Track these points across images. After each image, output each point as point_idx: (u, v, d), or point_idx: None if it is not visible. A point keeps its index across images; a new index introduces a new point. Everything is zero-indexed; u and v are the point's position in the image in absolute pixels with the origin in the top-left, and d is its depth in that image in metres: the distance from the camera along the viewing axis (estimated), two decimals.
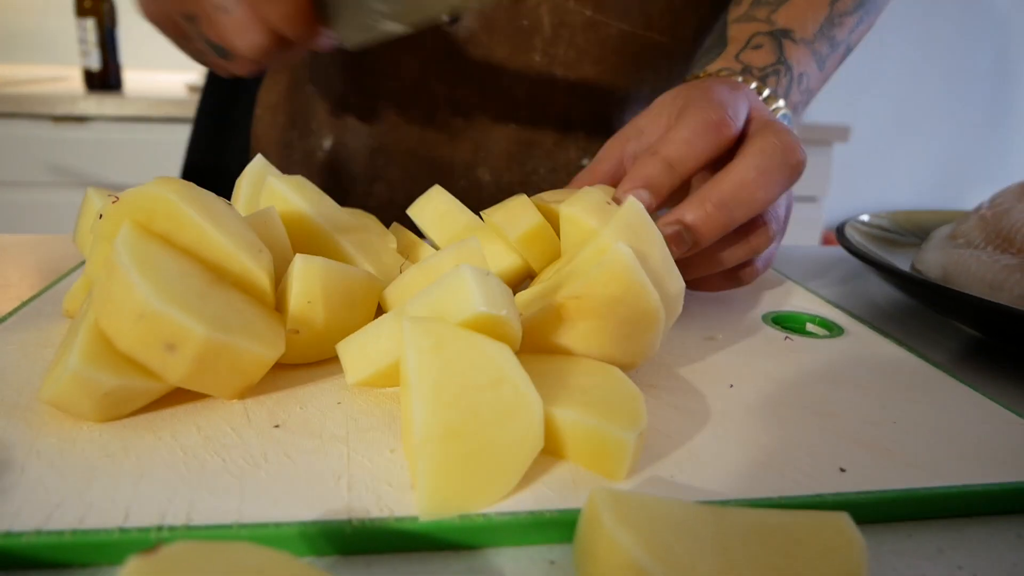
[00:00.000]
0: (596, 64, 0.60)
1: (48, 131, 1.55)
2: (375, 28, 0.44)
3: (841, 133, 1.85)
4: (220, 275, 0.30)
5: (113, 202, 0.30)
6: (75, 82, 1.78)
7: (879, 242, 0.57)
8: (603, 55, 0.60)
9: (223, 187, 0.40)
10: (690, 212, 0.36)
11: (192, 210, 0.29)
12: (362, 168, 0.66)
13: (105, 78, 1.67)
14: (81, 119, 1.56)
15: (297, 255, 0.31)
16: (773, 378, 0.35)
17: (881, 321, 0.47)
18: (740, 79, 0.45)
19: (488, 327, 0.26)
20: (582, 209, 0.34)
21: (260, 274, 0.30)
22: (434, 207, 0.40)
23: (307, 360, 0.33)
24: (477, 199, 0.63)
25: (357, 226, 0.38)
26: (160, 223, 0.29)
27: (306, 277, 0.31)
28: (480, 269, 0.26)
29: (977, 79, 2.51)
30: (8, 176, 1.57)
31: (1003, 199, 0.55)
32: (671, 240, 0.36)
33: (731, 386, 0.34)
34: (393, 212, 0.64)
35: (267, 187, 0.37)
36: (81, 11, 1.64)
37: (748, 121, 0.40)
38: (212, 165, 0.76)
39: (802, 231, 1.93)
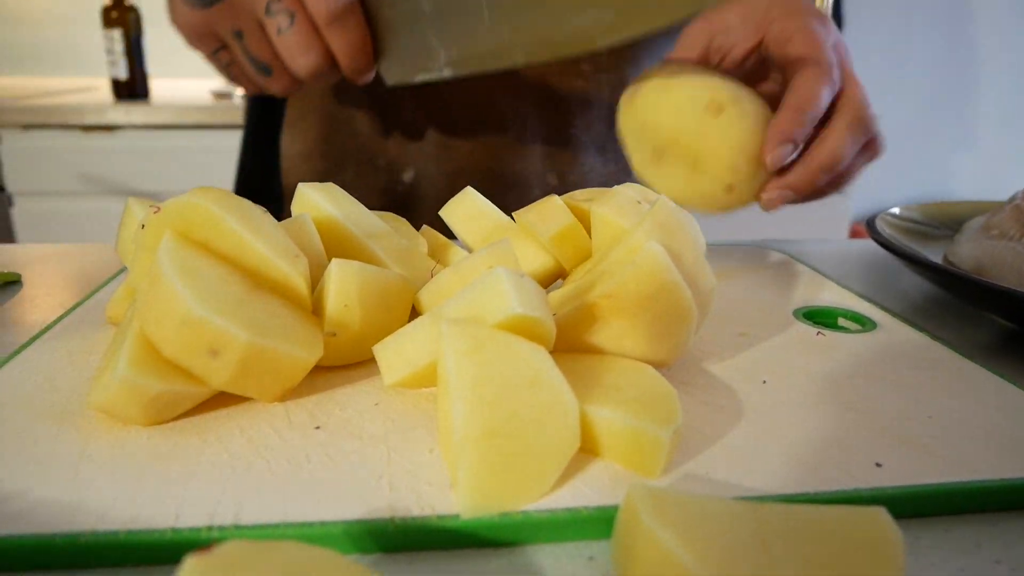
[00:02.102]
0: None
1: (78, 140, 1.58)
2: (427, 71, 0.45)
3: None
4: (258, 281, 0.31)
5: (154, 212, 0.31)
6: (103, 92, 1.81)
7: (910, 235, 0.56)
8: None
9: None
10: (795, 177, 0.44)
11: (231, 218, 0.30)
12: (444, 193, 0.67)
13: (132, 87, 1.70)
14: (110, 128, 1.59)
15: (333, 260, 0.32)
16: (806, 374, 0.35)
17: (914, 314, 0.47)
18: None
19: (523, 328, 0.26)
20: (614, 208, 0.34)
21: (297, 279, 0.31)
22: (465, 208, 0.40)
23: (344, 362, 0.34)
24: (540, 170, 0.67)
25: (388, 230, 0.38)
26: (200, 232, 0.30)
27: (342, 281, 0.31)
28: (514, 271, 0.27)
29: (1007, 69, 2.46)
30: (40, 186, 1.60)
31: None
32: (777, 200, 0.43)
33: (764, 382, 0.34)
34: None
35: (298, 195, 0.38)
36: (108, 22, 1.67)
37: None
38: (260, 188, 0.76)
39: (830, 224, 1.91)
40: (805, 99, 0.43)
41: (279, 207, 0.72)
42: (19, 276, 0.47)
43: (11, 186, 1.59)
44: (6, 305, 0.43)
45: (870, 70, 2.39)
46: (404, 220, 0.43)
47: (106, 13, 1.67)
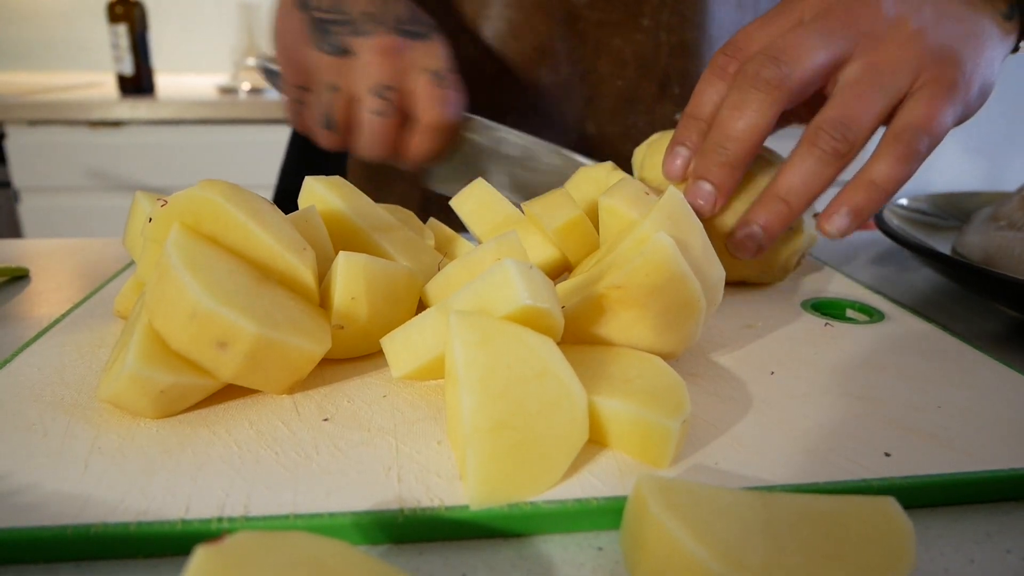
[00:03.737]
0: (696, 29, 0.65)
1: (85, 136, 1.58)
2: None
3: None
4: (266, 273, 0.31)
5: (162, 206, 0.31)
6: (109, 87, 1.82)
7: (918, 226, 0.56)
8: (702, 21, 0.65)
9: None
10: (858, 199, 0.38)
11: (238, 211, 0.30)
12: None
13: (138, 82, 1.70)
14: (116, 123, 1.59)
15: (340, 252, 0.32)
16: (814, 365, 0.35)
17: (922, 305, 0.47)
18: None
19: (532, 319, 0.26)
20: (622, 199, 0.34)
21: (305, 271, 0.31)
22: (476, 199, 0.40)
23: (352, 355, 0.34)
24: (585, 150, 0.67)
25: (394, 223, 0.38)
26: (208, 225, 0.30)
27: (349, 274, 0.31)
28: (523, 262, 0.27)
29: (1017, 57, 2.44)
30: (48, 181, 1.60)
31: None
32: (837, 226, 0.39)
33: (772, 373, 0.34)
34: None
35: (305, 187, 0.38)
36: (113, 17, 1.67)
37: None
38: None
39: None
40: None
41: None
42: (27, 271, 0.47)
43: (18, 182, 1.59)
44: (14, 300, 0.43)
45: None
46: (411, 213, 0.43)
47: (111, 9, 1.67)
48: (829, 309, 0.43)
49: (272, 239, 0.30)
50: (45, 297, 0.44)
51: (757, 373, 0.34)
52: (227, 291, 0.28)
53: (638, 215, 0.33)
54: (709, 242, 0.32)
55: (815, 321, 0.40)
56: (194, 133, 1.62)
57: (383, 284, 0.32)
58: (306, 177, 0.37)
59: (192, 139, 1.62)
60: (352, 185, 0.39)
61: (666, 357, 0.31)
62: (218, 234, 0.30)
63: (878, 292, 0.45)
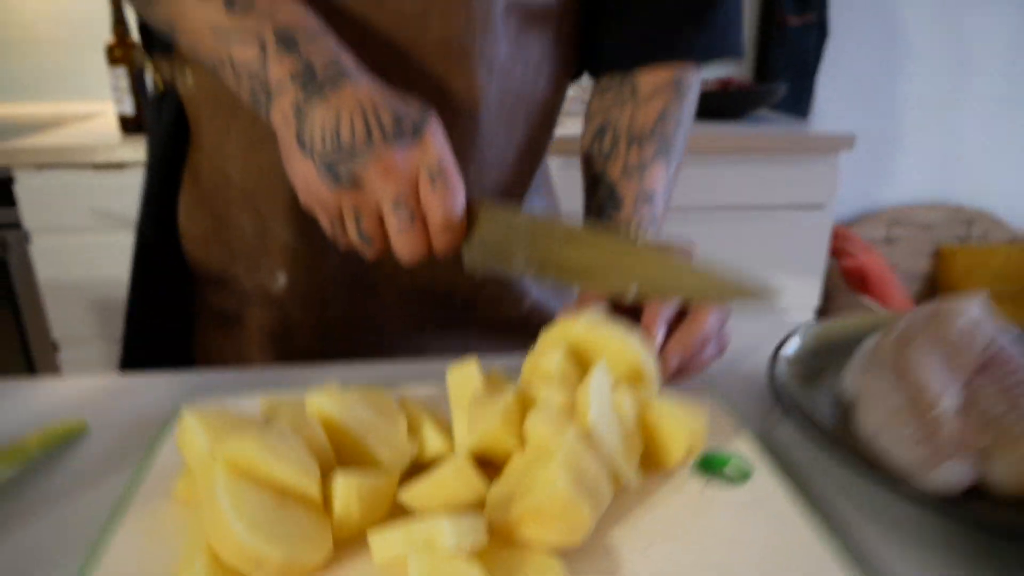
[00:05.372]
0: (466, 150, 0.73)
1: (89, 178, 1.68)
2: (506, 270, 0.58)
3: (847, 142, 1.90)
4: (284, 493, 0.43)
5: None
6: (109, 117, 1.91)
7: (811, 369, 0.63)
8: (473, 141, 0.74)
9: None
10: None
11: (265, 455, 0.42)
12: (315, 295, 0.76)
13: (139, 122, 1.80)
14: (120, 165, 1.69)
15: (337, 474, 0.44)
16: (688, 538, 0.46)
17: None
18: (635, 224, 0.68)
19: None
20: (541, 420, 0.46)
21: (313, 489, 0.43)
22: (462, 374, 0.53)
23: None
24: (445, 316, 0.82)
25: (377, 423, 0.50)
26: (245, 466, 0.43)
27: (345, 495, 0.44)
28: (459, 518, 0.39)
29: (991, 76, 2.54)
30: (55, 222, 1.70)
31: (909, 325, 0.59)
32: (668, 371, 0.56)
33: (647, 548, 0.46)
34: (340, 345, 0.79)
35: (308, 402, 0.50)
36: (112, 60, 1.75)
37: None
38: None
39: (808, 239, 1.99)
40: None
41: (186, 279, 0.79)
42: (86, 425, 0.57)
43: (28, 224, 1.69)
44: (75, 464, 0.54)
45: (854, 79, 2.47)
46: (389, 397, 0.54)
47: (110, 51, 1.76)
48: (714, 466, 0.53)
49: (291, 471, 0.42)
50: (105, 462, 0.54)
51: (637, 547, 0.45)
52: (259, 524, 0.40)
53: (554, 442, 0.45)
54: (621, 447, 0.45)
55: (697, 484, 0.51)
56: None
57: (372, 496, 0.45)
58: (308, 395, 0.50)
59: None
60: (343, 392, 0.51)
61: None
62: (251, 468, 0.43)
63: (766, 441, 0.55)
